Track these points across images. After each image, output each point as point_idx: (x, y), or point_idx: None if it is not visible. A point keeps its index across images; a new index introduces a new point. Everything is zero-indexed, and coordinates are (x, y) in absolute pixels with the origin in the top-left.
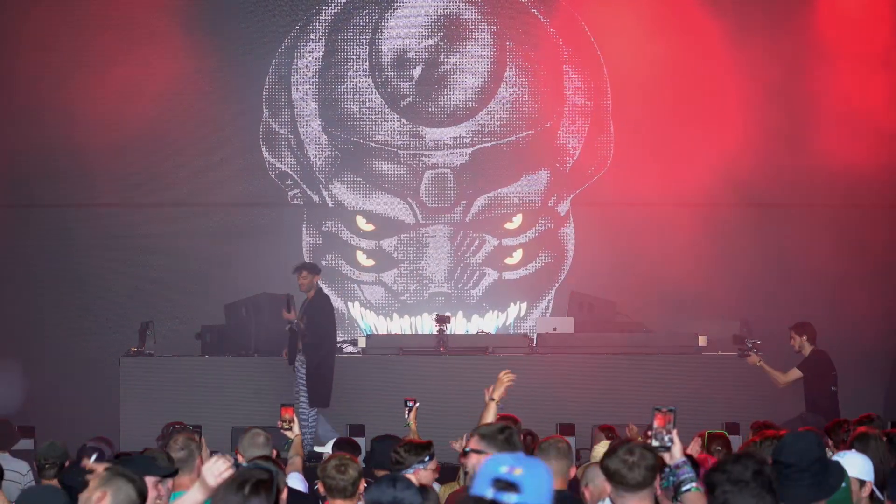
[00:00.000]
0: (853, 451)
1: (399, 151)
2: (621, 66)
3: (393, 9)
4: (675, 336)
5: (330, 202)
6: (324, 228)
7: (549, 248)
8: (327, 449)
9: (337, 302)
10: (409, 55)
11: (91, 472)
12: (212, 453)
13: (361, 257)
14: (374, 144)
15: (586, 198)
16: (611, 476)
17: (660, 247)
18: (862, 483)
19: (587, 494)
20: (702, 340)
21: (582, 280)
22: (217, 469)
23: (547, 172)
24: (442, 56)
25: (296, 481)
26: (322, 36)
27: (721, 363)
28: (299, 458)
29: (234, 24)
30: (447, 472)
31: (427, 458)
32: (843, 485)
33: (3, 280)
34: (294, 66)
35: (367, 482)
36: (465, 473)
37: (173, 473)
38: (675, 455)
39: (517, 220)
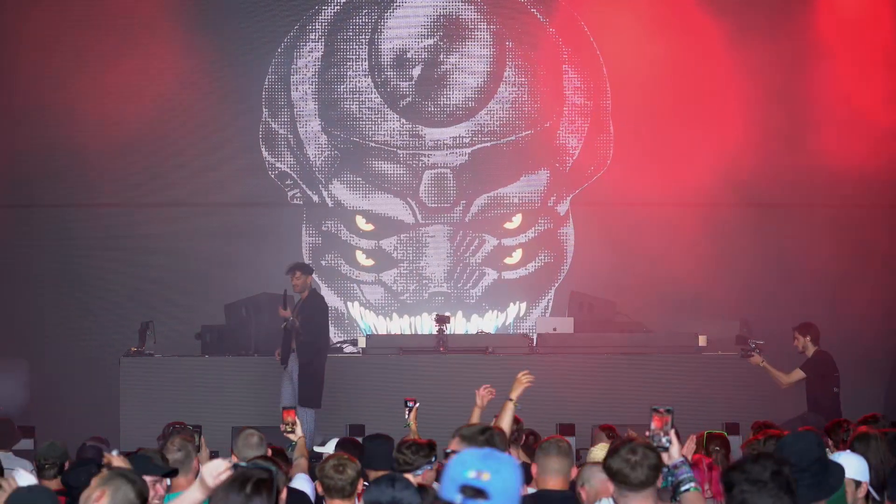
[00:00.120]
0: (848, 451)
1: (398, 151)
2: (621, 65)
3: (392, 9)
4: (675, 336)
5: (329, 202)
6: (323, 228)
7: (549, 248)
8: (327, 449)
9: (336, 302)
10: (409, 55)
11: (109, 465)
12: (211, 453)
13: (361, 257)
14: (373, 144)
15: (586, 198)
16: (613, 475)
17: (659, 247)
18: (857, 484)
19: (583, 495)
20: (702, 340)
21: (581, 280)
22: (216, 469)
23: (546, 172)
24: (441, 56)
25: (302, 482)
26: (322, 36)
27: (721, 363)
28: (304, 459)
29: (234, 24)
30: None
31: (434, 459)
32: None
33: (3, 280)
34: (294, 66)
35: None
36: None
37: (172, 473)
38: (673, 455)
39: (517, 219)
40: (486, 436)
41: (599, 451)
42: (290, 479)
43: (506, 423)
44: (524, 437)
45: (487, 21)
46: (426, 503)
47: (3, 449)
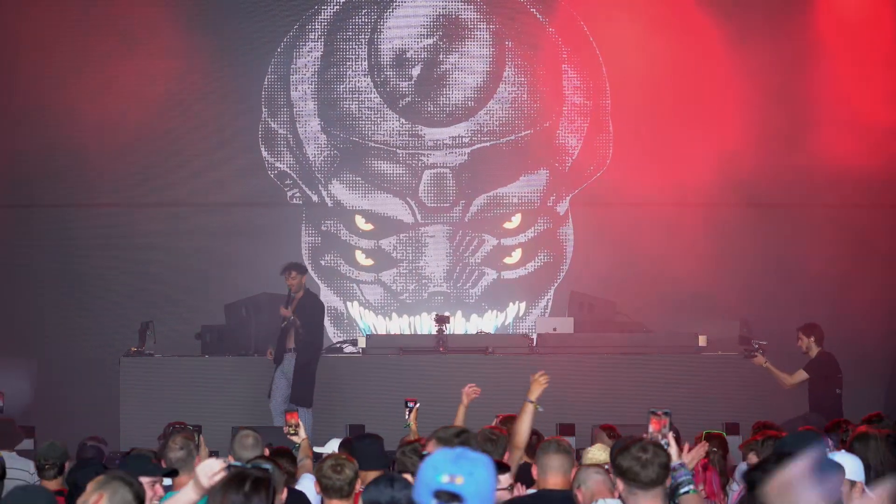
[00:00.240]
0: (842, 451)
1: (398, 151)
2: (620, 65)
3: (392, 8)
4: (675, 336)
5: (329, 202)
6: (323, 228)
7: (548, 248)
8: (327, 449)
9: (336, 301)
10: (408, 55)
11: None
12: (211, 453)
13: (360, 257)
14: (373, 144)
15: (585, 197)
16: (623, 473)
17: (659, 247)
18: (853, 484)
19: (580, 496)
20: (702, 340)
21: (581, 280)
22: (210, 469)
23: (546, 172)
24: (441, 55)
25: (309, 482)
26: (321, 36)
27: (721, 363)
28: (309, 460)
29: (234, 24)
30: None
31: None
32: None
33: (3, 280)
34: (293, 66)
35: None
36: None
37: (172, 473)
38: (672, 457)
39: (516, 219)
40: (461, 438)
41: (596, 452)
42: (296, 480)
43: (525, 425)
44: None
45: (487, 21)
46: None
47: (5, 449)
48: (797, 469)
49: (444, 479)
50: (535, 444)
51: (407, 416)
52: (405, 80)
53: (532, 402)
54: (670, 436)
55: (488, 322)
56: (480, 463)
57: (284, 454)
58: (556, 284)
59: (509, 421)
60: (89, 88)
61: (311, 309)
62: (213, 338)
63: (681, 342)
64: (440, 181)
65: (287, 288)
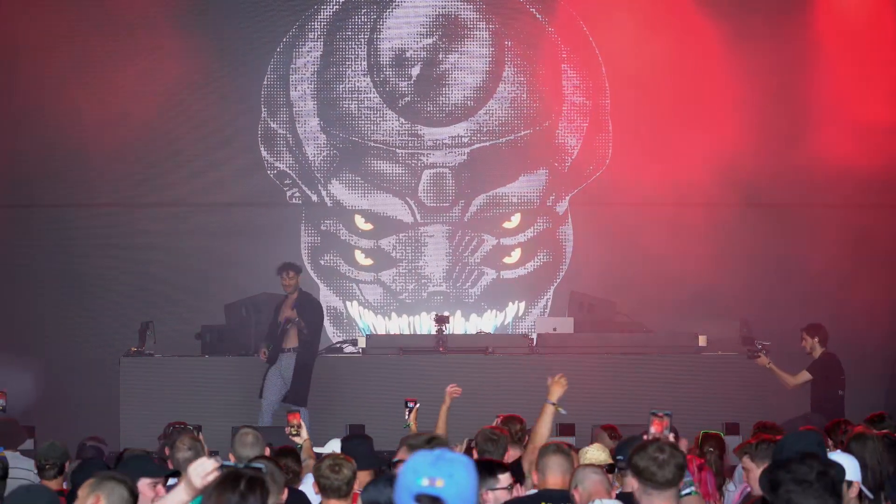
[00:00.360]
0: (838, 451)
1: (397, 150)
2: (620, 64)
3: (391, 8)
4: (675, 336)
5: (328, 201)
6: (322, 228)
7: (548, 248)
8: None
9: (335, 301)
10: (408, 54)
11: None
12: (211, 453)
13: (360, 256)
14: (372, 143)
15: (585, 197)
16: (639, 473)
17: (659, 246)
18: (849, 484)
19: (577, 496)
20: (702, 340)
21: (580, 279)
22: (203, 469)
23: (545, 171)
24: (440, 55)
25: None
26: (320, 35)
27: (721, 363)
28: (312, 460)
29: (234, 24)
30: None
31: None
32: None
33: (3, 280)
34: (293, 66)
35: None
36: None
37: (174, 474)
38: None
39: (515, 219)
40: (432, 445)
41: (594, 452)
42: (301, 480)
43: (545, 427)
44: (527, 438)
45: (486, 20)
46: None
47: (9, 448)
48: None
49: (424, 482)
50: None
51: (407, 417)
52: (405, 80)
53: (554, 403)
54: (670, 437)
55: (487, 322)
56: (460, 464)
57: (289, 453)
58: (555, 284)
59: (510, 421)
60: (89, 88)
61: (314, 309)
62: (213, 338)
63: (681, 342)
64: (439, 181)
65: (283, 287)
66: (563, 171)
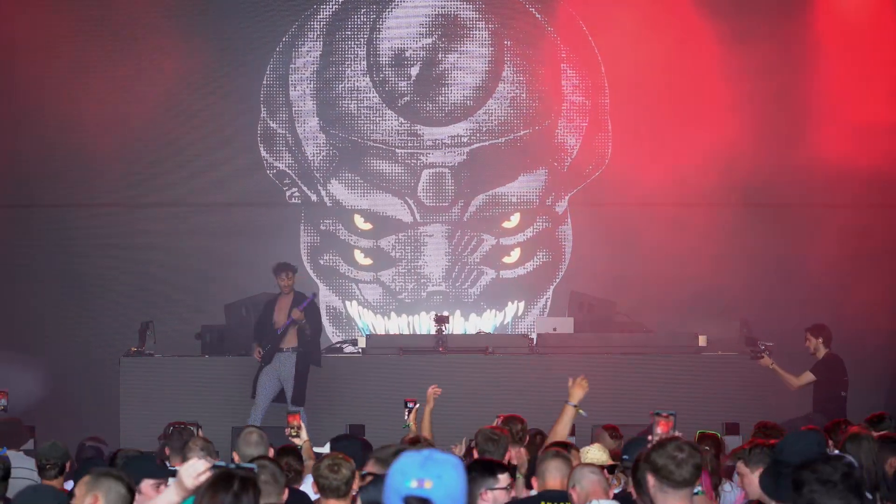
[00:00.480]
0: (836, 451)
1: (397, 150)
2: (619, 64)
3: (391, 8)
4: (675, 336)
5: (328, 201)
6: (322, 227)
7: (547, 247)
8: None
9: (335, 301)
10: (407, 54)
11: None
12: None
13: (359, 256)
14: (371, 143)
15: (584, 197)
16: (657, 470)
17: (658, 246)
18: None
19: (574, 496)
20: (702, 340)
21: (579, 279)
22: (194, 470)
23: (545, 171)
24: (440, 55)
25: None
26: (320, 35)
27: (721, 363)
28: (312, 461)
29: (234, 24)
30: None
31: None
32: None
33: (3, 280)
34: (292, 66)
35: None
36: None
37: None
38: None
39: (515, 218)
40: (397, 456)
41: (595, 452)
42: (302, 480)
43: (564, 427)
44: (528, 438)
45: (486, 20)
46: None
47: (12, 448)
48: None
49: (413, 483)
50: (540, 443)
51: (406, 417)
52: (404, 80)
53: (575, 405)
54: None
55: (487, 321)
56: (449, 465)
57: (290, 452)
58: (554, 284)
59: (510, 421)
60: (89, 89)
61: (317, 311)
62: (213, 338)
63: (681, 342)
64: (439, 180)
65: (280, 288)
66: (562, 171)
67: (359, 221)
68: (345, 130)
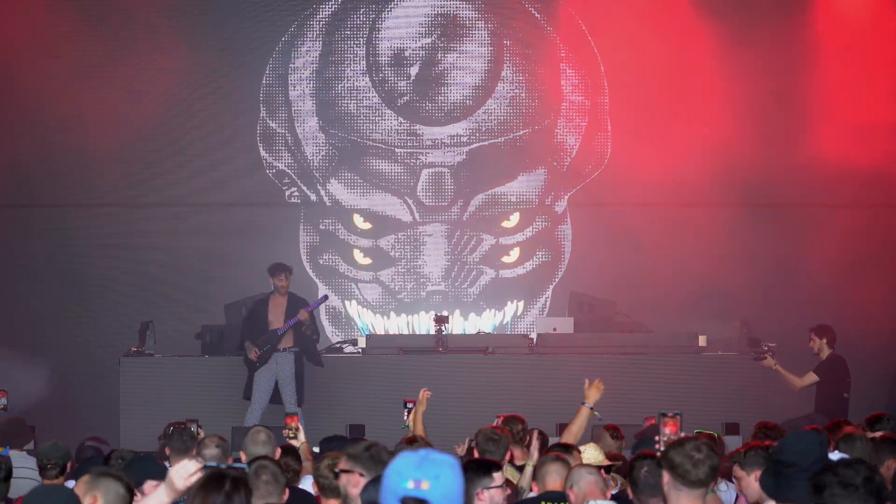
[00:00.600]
0: (836, 451)
1: (396, 150)
2: (619, 63)
3: (390, 7)
4: (676, 336)
5: (327, 201)
6: (321, 227)
7: (547, 247)
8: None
9: (334, 300)
10: (407, 54)
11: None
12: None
13: (358, 256)
14: (371, 143)
15: (584, 196)
16: (673, 468)
17: (658, 246)
18: None
19: (572, 496)
20: (702, 340)
21: (579, 279)
22: (185, 471)
23: (544, 171)
24: (439, 54)
25: (310, 484)
26: (319, 35)
27: (721, 363)
28: (309, 462)
29: (233, 24)
30: None
31: None
32: None
33: (3, 280)
34: (291, 65)
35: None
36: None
37: None
38: None
39: (514, 218)
40: (371, 452)
41: (591, 452)
42: (300, 480)
43: (579, 428)
44: (528, 437)
45: (485, 20)
46: None
47: (15, 448)
48: None
49: (410, 484)
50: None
51: (406, 417)
52: (403, 79)
53: (591, 407)
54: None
55: (486, 321)
56: (446, 465)
57: (289, 452)
58: (554, 283)
59: (511, 421)
60: (89, 89)
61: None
62: (213, 338)
63: (681, 342)
64: (438, 180)
65: (278, 288)
66: (561, 171)
67: (358, 221)
68: (344, 130)
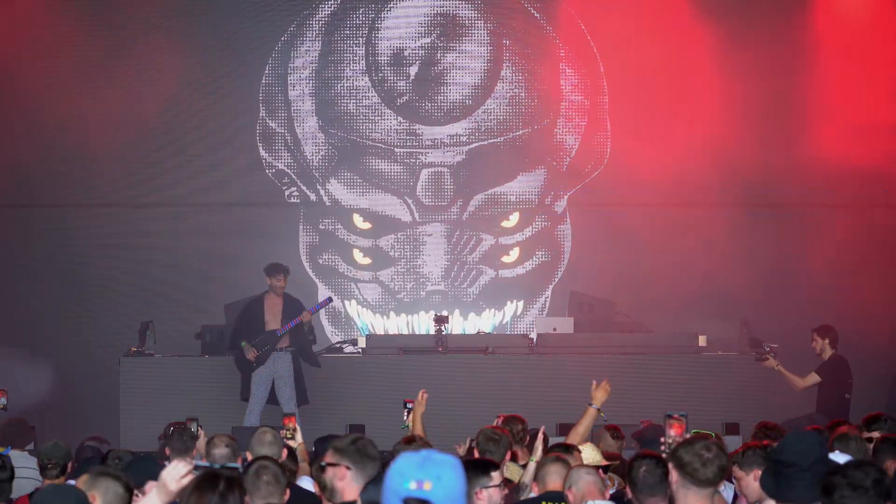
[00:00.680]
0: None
1: (396, 149)
2: (618, 63)
3: (389, 7)
4: (675, 336)
5: (327, 200)
6: (321, 227)
7: (546, 247)
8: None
9: (334, 300)
10: (406, 53)
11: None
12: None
13: (358, 255)
14: (370, 142)
15: (583, 196)
16: (682, 466)
17: (658, 246)
18: None
19: (570, 496)
20: (702, 340)
21: (578, 279)
22: (177, 473)
23: (544, 170)
24: (438, 54)
25: (307, 484)
26: (319, 34)
27: (721, 363)
28: (306, 463)
29: (232, 24)
30: None
31: None
32: None
33: (3, 280)
34: (291, 65)
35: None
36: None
37: None
38: None
39: (514, 218)
40: (357, 445)
41: (589, 452)
42: (297, 480)
43: (586, 429)
44: (528, 438)
45: (484, 19)
46: None
47: (17, 448)
48: None
49: (412, 485)
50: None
51: (406, 417)
52: (403, 79)
53: (598, 408)
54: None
55: (486, 321)
56: (448, 465)
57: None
58: (553, 283)
59: (511, 421)
60: (89, 88)
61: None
62: (213, 338)
63: (681, 342)
64: (438, 180)
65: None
66: (561, 170)
67: (358, 221)
68: (344, 130)
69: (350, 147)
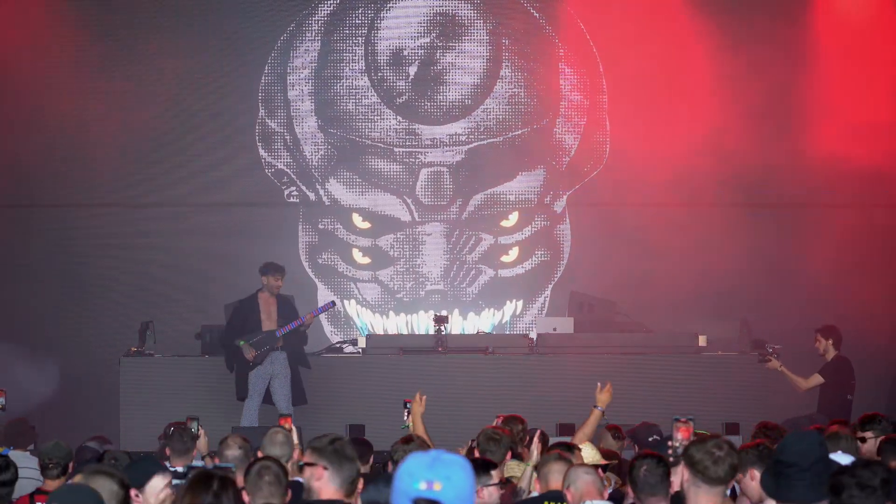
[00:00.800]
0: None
1: (395, 149)
2: (617, 62)
3: (388, 7)
4: (675, 336)
5: (326, 200)
6: (320, 226)
7: (546, 246)
8: None
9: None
10: (405, 53)
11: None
12: (212, 452)
13: (357, 255)
14: (370, 142)
15: (582, 195)
16: (693, 464)
17: (658, 245)
18: None
19: (569, 496)
20: (702, 340)
21: (578, 278)
22: (157, 489)
23: (543, 170)
24: (438, 54)
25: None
26: (318, 34)
27: (721, 363)
28: None
29: (232, 24)
30: None
31: None
32: None
33: (3, 280)
34: (290, 65)
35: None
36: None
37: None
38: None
39: (513, 217)
40: (335, 445)
41: (586, 451)
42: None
43: (591, 430)
44: (528, 438)
45: (483, 19)
46: None
47: (19, 448)
48: None
49: (422, 486)
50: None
51: (406, 417)
52: (402, 79)
53: (602, 410)
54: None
55: (485, 320)
56: (457, 465)
57: None
58: (553, 283)
59: (511, 421)
60: (89, 88)
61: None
62: (213, 338)
63: (681, 342)
64: (437, 179)
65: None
66: (560, 170)
67: (357, 220)
68: (343, 129)
69: (349, 147)
